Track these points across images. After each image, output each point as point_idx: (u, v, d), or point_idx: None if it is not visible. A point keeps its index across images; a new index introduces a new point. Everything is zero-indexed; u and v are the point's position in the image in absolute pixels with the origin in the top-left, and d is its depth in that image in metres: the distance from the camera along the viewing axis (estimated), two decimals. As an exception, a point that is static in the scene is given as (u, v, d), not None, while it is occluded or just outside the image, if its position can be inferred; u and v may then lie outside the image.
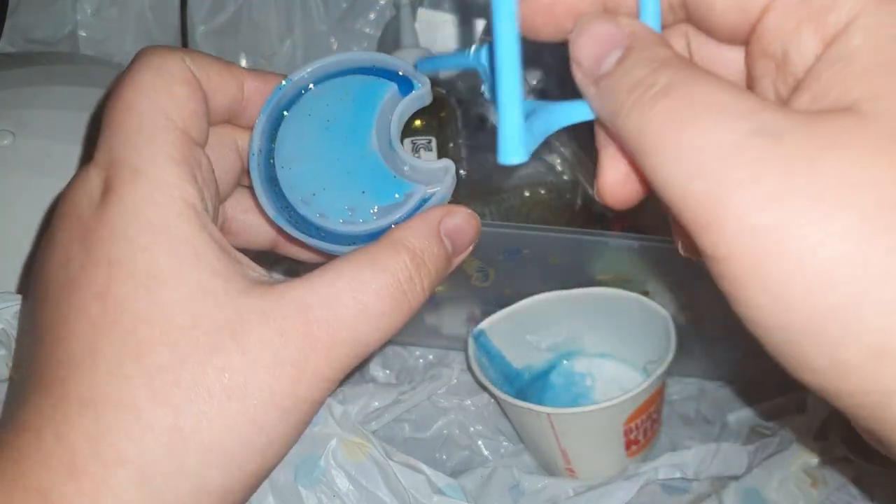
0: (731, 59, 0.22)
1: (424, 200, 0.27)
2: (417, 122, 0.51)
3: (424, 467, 0.38)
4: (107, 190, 0.23)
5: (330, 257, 0.26)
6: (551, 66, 0.54)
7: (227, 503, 0.22)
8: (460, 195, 0.52)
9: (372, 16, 0.60)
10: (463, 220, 0.26)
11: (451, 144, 0.52)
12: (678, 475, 0.41)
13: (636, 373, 0.48)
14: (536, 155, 0.53)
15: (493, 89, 0.22)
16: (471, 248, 0.27)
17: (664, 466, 0.41)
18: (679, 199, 0.18)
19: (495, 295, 0.47)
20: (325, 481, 0.36)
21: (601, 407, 0.40)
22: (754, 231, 0.16)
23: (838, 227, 0.16)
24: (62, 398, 0.21)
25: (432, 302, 0.48)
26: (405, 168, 0.27)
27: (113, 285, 0.22)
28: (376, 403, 0.47)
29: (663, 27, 0.22)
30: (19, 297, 0.35)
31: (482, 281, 0.45)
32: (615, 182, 0.22)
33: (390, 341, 0.52)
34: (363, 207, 0.27)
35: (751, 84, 0.21)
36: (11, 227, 0.40)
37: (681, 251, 0.24)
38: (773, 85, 0.20)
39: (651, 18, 0.21)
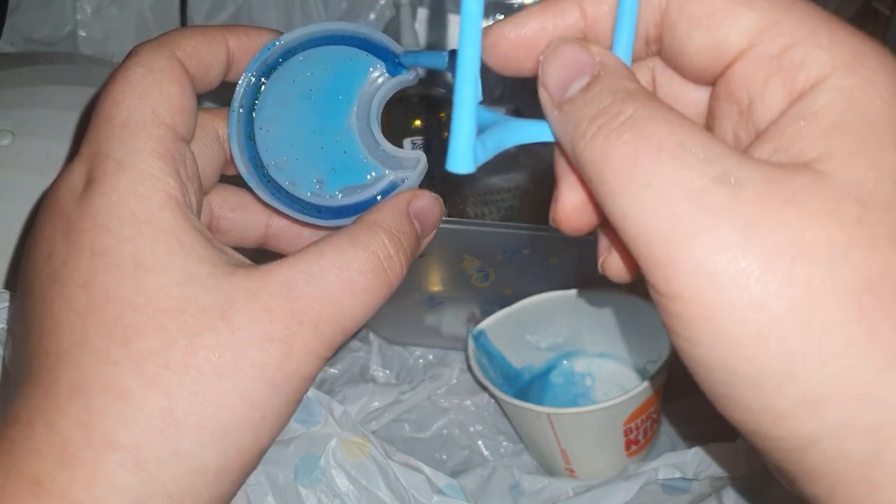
0: (693, 99, 0.23)
1: (394, 186, 0.28)
2: (417, 122, 0.51)
3: (424, 467, 0.38)
4: (89, 182, 0.23)
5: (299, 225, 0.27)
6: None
7: (224, 483, 0.22)
8: (462, 195, 0.52)
9: (372, 16, 0.60)
10: (429, 202, 0.27)
11: (451, 144, 0.52)
12: (678, 475, 0.41)
13: (636, 373, 0.48)
14: (533, 156, 0.54)
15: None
16: (436, 229, 0.28)
17: (664, 466, 0.41)
18: (636, 233, 0.18)
19: (495, 295, 0.47)
20: (325, 481, 0.36)
21: (601, 407, 0.40)
22: (711, 277, 0.17)
23: (786, 284, 0.17)
24: (51, 387, 0.22)
25: (432, 302, 0.48)
26: (379, 150, 0.27)
27: (97, 275, 0.22)
28: (376, 403, 0.47)
29: (634, 60, 0.22)
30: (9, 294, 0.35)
31: (482, 281, 0.45)
32: (573, 210, 0.23)
33: (390, 341, 0.52)
34: (331, 184, 0.28)
35: (710, 124, 0.22)
36: (11, 227, 0.40)
37: (600, 269, 0.24)
38: (732, 128, 0.21)
39: (623, 51, 0.21)
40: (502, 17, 0.57)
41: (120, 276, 0.22)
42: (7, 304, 0.34)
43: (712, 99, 0.22)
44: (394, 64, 0.28)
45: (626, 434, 0.42)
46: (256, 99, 0.28)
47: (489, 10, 0.57)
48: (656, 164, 0.18)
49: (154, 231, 0.22)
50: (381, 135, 0.27)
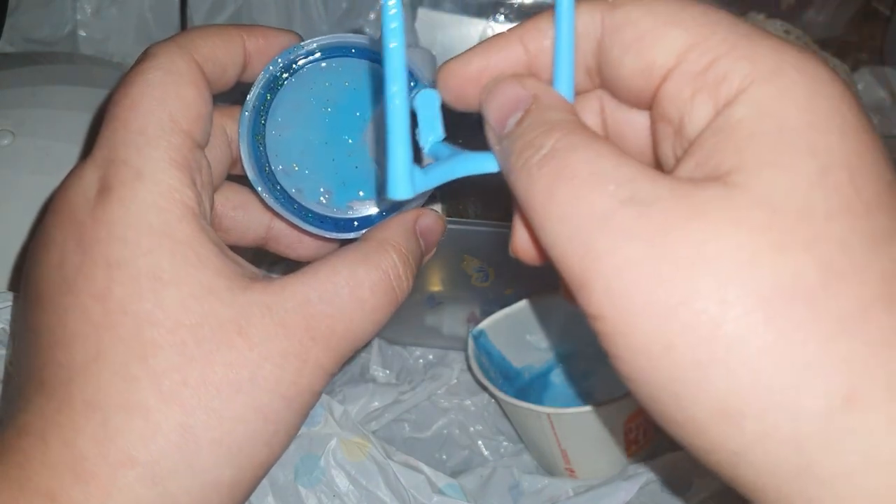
0: (640, 124, 0.23)
1: (400, 204, 0.28)
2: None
3: (424, 467, 0.38)
4: (104, 189, 0.22)
5: (302, 235, 0.28)
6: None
7: (237, 496, 0.23)
8: (462, 195, 0.52)
9: (372, 16, 0.60)
10: (433, 221, 0.28)
11: (451, 144, 0.52)
12: (678, 475, 0.41)
13: (636, 373, 0.48)
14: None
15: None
16: (436, 246, 0.29)
17: (664, 466, 0.41)
18: (558, 259, 0.19)
19: (495, 295, 0.47)
20: (325, 481, 0.36)
21: (601, 407, 0.40)
22: (618, 294, 0.18)
23: (690, 295, 0.17)
24: (66, 401, 0.21)
25: (432, 302, 0.48)
26: None
27: (114, 287, 0.22)
28: (376, 403, 0.47)
29: (582, 92, 0.23)
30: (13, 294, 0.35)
31: (482, 281, 0.45)
32: (526, 242, 0.23)
33: (390, 341, 0.52)
34: (339, 197, 0.28)
35: (656, 147, 0.22)
36: (11, 227, 0.40)
37: (562, 294, 0.25)
38: (672, 148, 0.21)
39: (564, 83, 0.22)
40: (502, 17, 0.57)
41: (138, 289, 0.22)
42: (10, 303, 0.34)
43: (651, 122, 0.22)
44: (415, 83, 0.27)
45: (626, 434, 0.42)
46: (270, 102, 0.27)
47: (489, 10, 0.57)
48: (570, 193, 0.18)
49: (172, 244, 0.22)
50: None
